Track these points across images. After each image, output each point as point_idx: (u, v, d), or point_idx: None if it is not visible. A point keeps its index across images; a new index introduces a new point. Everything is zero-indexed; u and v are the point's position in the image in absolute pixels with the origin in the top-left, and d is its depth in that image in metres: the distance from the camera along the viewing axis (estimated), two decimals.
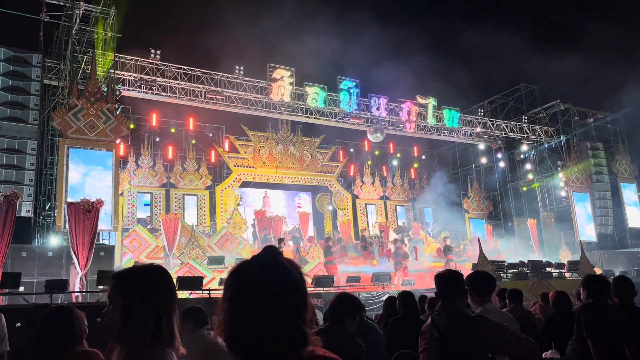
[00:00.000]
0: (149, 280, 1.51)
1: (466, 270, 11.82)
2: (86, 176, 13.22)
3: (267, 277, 1.23)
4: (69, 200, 12.03)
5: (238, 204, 18.68)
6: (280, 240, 15.30)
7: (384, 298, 6.66)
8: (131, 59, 15.89)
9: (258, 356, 1.20)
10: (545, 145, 23.01)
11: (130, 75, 15.84)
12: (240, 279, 1.25)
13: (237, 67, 17.41)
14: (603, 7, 28.91)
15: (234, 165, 19.50)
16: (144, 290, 1.47)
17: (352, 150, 23.16)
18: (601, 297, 3.58)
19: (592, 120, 23.47)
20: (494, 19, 31.62)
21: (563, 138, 22.63)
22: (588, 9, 30.21)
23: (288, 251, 15.13)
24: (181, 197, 18.74)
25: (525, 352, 2.63)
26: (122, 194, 16.16)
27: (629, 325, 3.36)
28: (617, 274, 12.12)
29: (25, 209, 12.25)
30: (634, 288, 3.58)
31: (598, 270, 15.37)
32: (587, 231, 21.32)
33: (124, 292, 1.48)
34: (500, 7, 31.77)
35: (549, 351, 3.91)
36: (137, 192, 18.14)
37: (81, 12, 14.25)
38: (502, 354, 2.82)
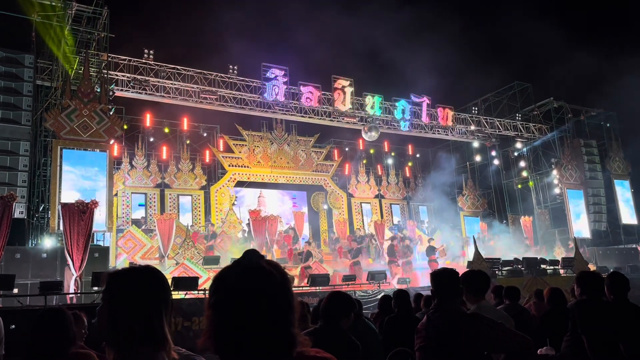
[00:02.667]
0: (139, 281, 1.50)
1: (461, 268, 11.80)
2: (80, 177, 13.15)
3: (247, 282, 1.23)
4: (63, 201, 11.96)
5: (233, 204, 18.65)
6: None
7: (379, 296, 6.67)
8: (124, 59, 15.82)
9: None
10: (539, 142, 23.10)
11: (123, 76, 15.77)
12: (221, 285, 1.26)
13: (231, 66, 17.37)
14: (600, 4, 29.01)
15: (229, 165, 19.46)
16: (132, 290, 1.46)
17: (346, 149, 23.14)
18: (595, 294, 3.60)
19: (585, 117, 23.59)
20: (491, 18, 31.71)
21: (556, 135, 22.73)
22: (583, 5, 30.32)
23: None
24: (176, 197, 18.67)
25: (521, 348, 2.64)
26: (116, 194, 16.09)
27: (623, 321, 3.38)
28: (611, 270, 12.18)
29: (19, 211, 12.17)
30: (628, 284, 3.59)
31: (592, 267, 15.46)
32: (581, 228, 21.43)
33: (112, 291, 1.48)
34: (495, 6, 31.85)
35: (544, 347, 3.93)
36: (132, 193, 18.05)
37: (73, 12, 14.18)
38: (497, 351, 2.83)
